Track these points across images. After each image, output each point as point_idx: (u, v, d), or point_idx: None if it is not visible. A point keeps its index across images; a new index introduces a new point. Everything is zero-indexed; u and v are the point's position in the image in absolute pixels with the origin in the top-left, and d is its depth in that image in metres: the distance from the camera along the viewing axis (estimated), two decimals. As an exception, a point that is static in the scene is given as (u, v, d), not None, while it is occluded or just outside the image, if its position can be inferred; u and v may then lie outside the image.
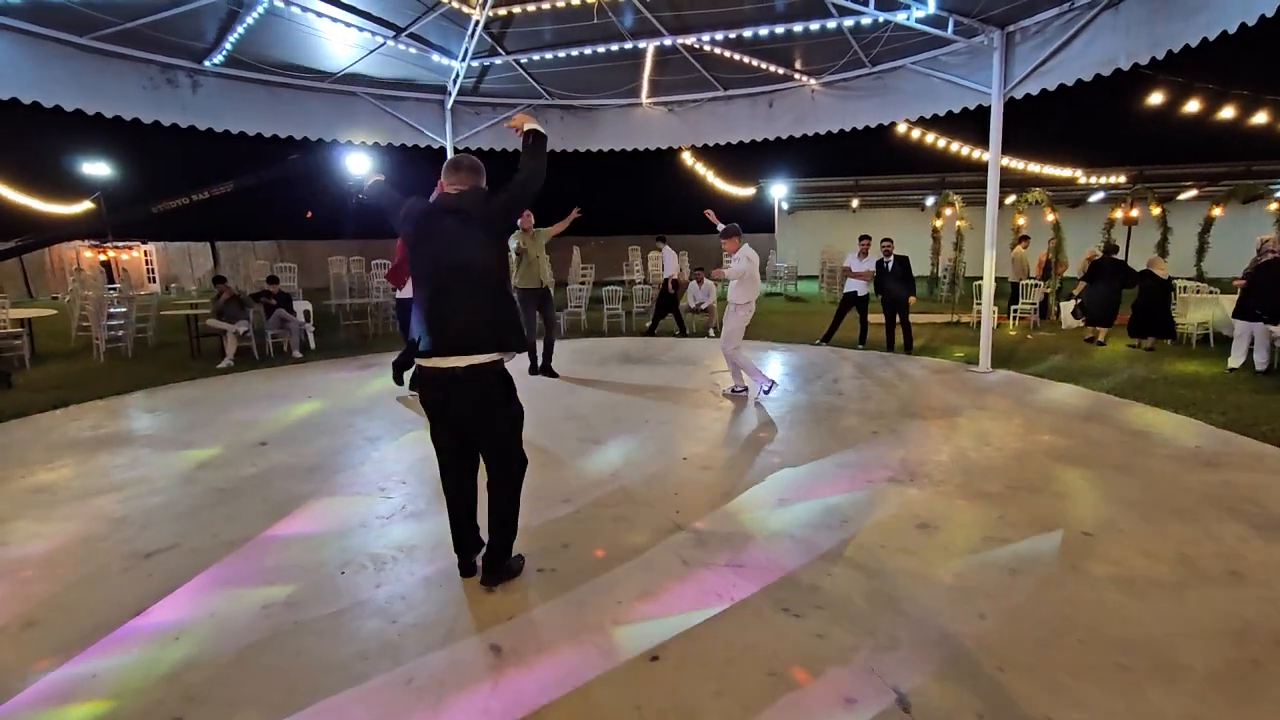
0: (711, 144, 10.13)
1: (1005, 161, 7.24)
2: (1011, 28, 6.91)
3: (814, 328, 10.68)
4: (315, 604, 2.72)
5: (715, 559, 3.05)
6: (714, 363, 8.17)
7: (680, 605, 2.66)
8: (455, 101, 9.65)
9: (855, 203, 24.12)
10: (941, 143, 12.55)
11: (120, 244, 23.23)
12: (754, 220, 27.00)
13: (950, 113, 8.06)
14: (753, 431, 5.21)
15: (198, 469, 4.47)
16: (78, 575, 3.00)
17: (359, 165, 10.42)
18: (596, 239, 24.44)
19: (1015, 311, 11.37)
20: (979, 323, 11.05)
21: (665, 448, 4.77)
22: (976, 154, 13.48)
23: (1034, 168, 16.93)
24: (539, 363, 7.42)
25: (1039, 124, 19.77)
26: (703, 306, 10.83)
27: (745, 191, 21.72)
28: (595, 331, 11.10)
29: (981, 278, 11.31)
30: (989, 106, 7.33)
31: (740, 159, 15.40)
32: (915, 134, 11.66)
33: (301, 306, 9.87)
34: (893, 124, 9.15)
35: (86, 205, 22.83)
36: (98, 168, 23.39)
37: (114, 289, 11.02)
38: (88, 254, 22.21)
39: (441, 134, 9.82)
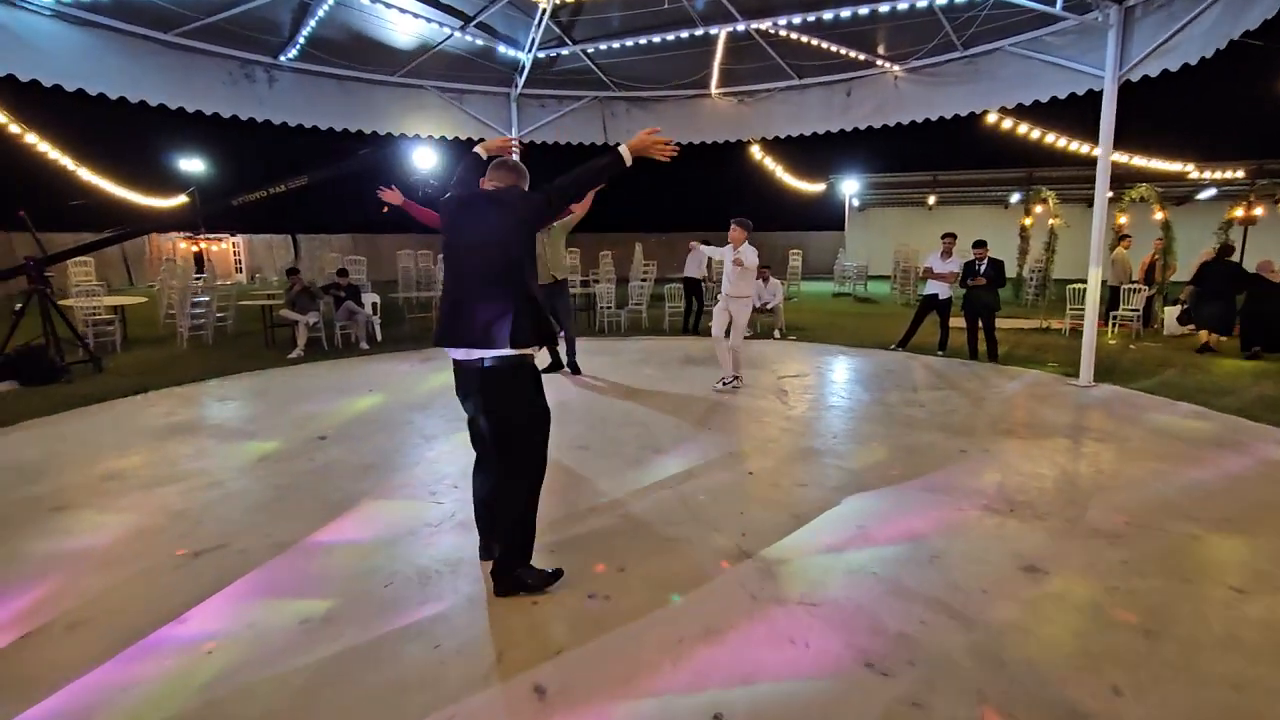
0: (783, 136, 9.66)
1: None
2: (1132, 1, 6.17)
3: (886, 331, 10.07)
4: (356, 621, 2.56)
5: (787, 594, 2.72)
6: (780, 366, 7.76)
7: (748, 651, 2.34)
8: (520, 94, 9.55)
9: (932, 199, 22.90)
10: (1036, 133, 11.58)
11: (211, 235, 24.66)
12: (822, 217, 26.16)
13: (1055, 99, 7.34)
14: (824, 445, 4.80)
15: (258, 462, 4.46)
16: (129, 572, 2.95)
17: (425, 159, 10.52)
18: (659, 235, 24.16)
19: (1115, 318, 10.37)
20: (1071, 329, 10.20)
21: (729, 460, 4.44)
22: (1074, 145, 12.41)
23: (1138, 161, 15.51)
24: (559, 361, 7.32)
25: (1146, 110, 18.07)
26: (769, 306, 10.38)
27: (815, 187, 20.90)
28: (656, 330, 10.84)
29: (1074, 280, 10.43)
30: (1098, 91, 6.62)
31: (811, 152, 14.80)
32: (1007, 124, 10.80)
33: (369, 299, 10.04)
34: (984, 113, 8.46)
35: (182, 199, 24.36)
36: (193, 163, 24.89)
37: (199, 278, 11.56)
38: (182, 245, 23.68)
39: (507, 127, 9.74)
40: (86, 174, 12.11)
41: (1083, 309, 10.17)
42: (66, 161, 10.61)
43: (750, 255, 6.18)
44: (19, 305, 7.27)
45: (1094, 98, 6.75)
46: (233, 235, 25.45)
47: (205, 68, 7.10)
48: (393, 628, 2.51)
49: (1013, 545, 3.14)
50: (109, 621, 2.56)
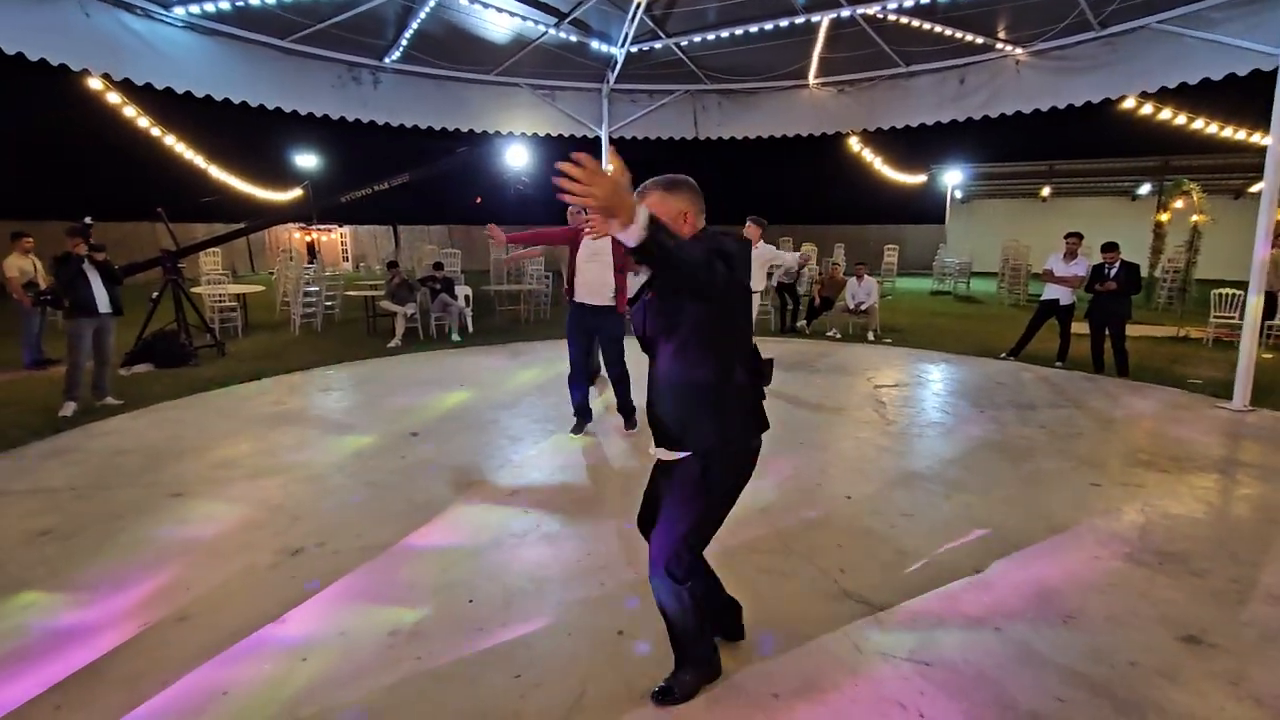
0: (886, 128, 9.07)
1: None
2: (1320, -35, 5.29)
3: (992, 336, 9.30)
4: (440, 636, 2.53)
5: (896, 649, 2.45)
6: (876, 374, 7.30)
7: (853, 716, 2.11)
8: (611, 90, 9.46)
9: (1046, 190, 21.10)
10: (1180, 119, 10.30)
11: (321, 226, 26.44)
12: (921, 210, 24.67)
13: (1206, 80, 6.45)
14: (930, 469, 4.41)
15: (353, 457, 4.60)
16: (232, 568, 3.07)
17: (518, 157, 10.68)
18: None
19: (1270, 329, 9.08)
20: (1214, 339, 9.04)
21: (824, 482, 4.16)
22: (1226, 132, 10.98)
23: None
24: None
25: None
26: (863, 307, 9.84)
27: (914, 178, 19.69)
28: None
29: (1218, 282, 9.24)
30: (1267, 71, 5.75)
31: (913, 142, 13.87)
32: (1145, 109, 9.67)
33: (462, 291, 10.33)
34: (1120, 99, 7.59)
35: (297, 193, 26.20)
36: (307, 159, 26.71)
37: (309, 269, 12.30)
38: (296, 235, 25.54)
39: (597, 123, 9.70)
40: (216, 171, 13.13)
41: (1228, 317, 9.03)
42: (199, 161, 11.54)
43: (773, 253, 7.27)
44: (155, 294, 7.96)
45: (1260, 78, 5.88)
46: (340, 226, 27.20)
47: (316, 72, 7.45)
48: (476, 649, 2.46)
49: (1167, 609, 2.71)
50: (214, 617, 2.66)
